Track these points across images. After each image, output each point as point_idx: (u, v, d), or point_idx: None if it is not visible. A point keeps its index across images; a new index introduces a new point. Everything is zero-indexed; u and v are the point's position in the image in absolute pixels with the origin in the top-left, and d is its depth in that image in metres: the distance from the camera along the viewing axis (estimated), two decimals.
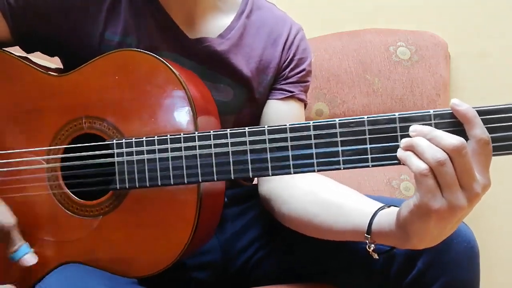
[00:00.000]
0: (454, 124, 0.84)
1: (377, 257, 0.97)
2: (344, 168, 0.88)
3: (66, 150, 1.08)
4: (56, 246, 1.08)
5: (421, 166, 0.81)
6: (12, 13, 1.12)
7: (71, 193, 1.08)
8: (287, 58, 1.30)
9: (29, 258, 1.04)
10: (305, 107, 1.34)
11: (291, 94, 1.29)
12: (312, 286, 1.21)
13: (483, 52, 2.08)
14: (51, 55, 1.23)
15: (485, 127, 0.82)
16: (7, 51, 1.15)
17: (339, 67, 1.96)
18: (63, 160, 1.08)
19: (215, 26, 1.24)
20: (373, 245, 0.96)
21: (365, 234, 0.96)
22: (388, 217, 0.93)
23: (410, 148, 0.83)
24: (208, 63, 1.22)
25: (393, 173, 1.89)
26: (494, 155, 0.83)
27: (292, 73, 1.30)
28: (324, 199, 1.08)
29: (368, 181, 1.87)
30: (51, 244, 1.08)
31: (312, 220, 1.08)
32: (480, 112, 0.83)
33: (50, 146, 1.09)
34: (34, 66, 1.12)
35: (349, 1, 2.15)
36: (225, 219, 1.25)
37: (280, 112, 1.28)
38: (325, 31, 2.05)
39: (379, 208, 0.97)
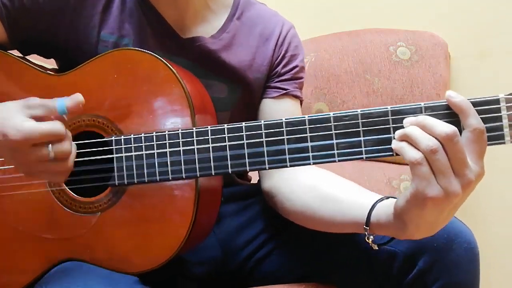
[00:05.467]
0: (445, 115, 0.86)
1: (377, 248, 0.99)
2: (339, 161, 0.90)
3: None
4: (55, 243, 1.08)
5: (415, 155, 0.84)
6: (8, 16, 1.13)
7: (69, 190, 1.08)
8: (279, 55, 1.31)
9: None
10: (301, 104, 1.34)
11: (285, 91, 1.30)
12: (313, 285, 1.21)
13: (483, 52, 2.08)
14: (48, 57, 1.24)
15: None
16: (6, 51, 1.16)
17: (339, 67, 1.96)
18: None
19: (207, 26, 1.26)
20: (372, 236, 0.98)
21: (364, 226, 0.98)
22: (386, 208, 0.95)
23: (404, 138, 0.86)
24: (201, 62, 1.23)
25: (393, 173, 1.89)
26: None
27: (285, 69, 1.31)
28: (325, 193, 1.10)
29: (368, 181, 1.87)
30: (50, 241, 1.08)
31: (313, 215, 1.10)
32: (472, 104, 0.85)
33: None
34: (34, 66, 1.14)
35: (349, 1, 2.15)
36: (223, 216, 1.26)
37: (276, 110, 1.29)
38: (325, 31, 2.05)
39: (377, 200, 0.99)
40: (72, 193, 1.08)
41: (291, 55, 1.32)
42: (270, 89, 1.30)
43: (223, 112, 1.25)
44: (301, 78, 1.34)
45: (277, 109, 1.29)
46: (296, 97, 1.32)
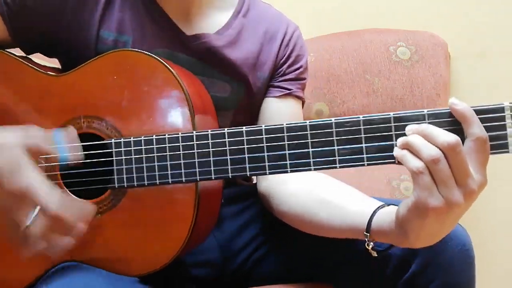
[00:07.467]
0: (448, 123, 0.85)
1: (376, 255, 0.99)
2: (340, 167, 0.89)
3: None
4: None
5: (417, 164, 0.82)
6: (10, 14, 1.12)
7: (69, 192, 1.08)
8: (285, 55, 1.31)
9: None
10: (303, 105, 1.34)
11: (288, 91, 1.30)
12: (310, 285, 1.21)
13: (483, 52, 2.08)
14: (50, 55, 1.23)
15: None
16: (7, 51, 1.15)
17: (339, 67, 1.97)
18: None
19: (212, 22, 1.25)
20: (371, 243, 0.97)
21: (364, 232, 0.97)
22: (387, 216, 0.94)
23: (406, 147, 0.84)
24: (205, 59, 1.22)
25: (393, 173, 1.89)
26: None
27: (290, 69, 1.31)
28: (324, 197, 1.08)
29: (368, 181, 1.86)
30: None
31: (311, 219, 1.09)
32: (476, 112, 0.83)
33: None
34: (33, 66, 1.13)
35: (349, 1, 2.15)
36: (223, 218, 1.25)
37: (278, 109, 1.29)
38: (325, 31, 2.05)
39: (378, 207, 0.98)
40: (72, 195, 1.07)
41: (296, 55, 1.32)
42: (273, 88, 1.30)
43: (226, 111, 1.25)
44: (305, 79, 1.35)
45: (279, 108, 1.30)
46: (298, 97, 1.32)
